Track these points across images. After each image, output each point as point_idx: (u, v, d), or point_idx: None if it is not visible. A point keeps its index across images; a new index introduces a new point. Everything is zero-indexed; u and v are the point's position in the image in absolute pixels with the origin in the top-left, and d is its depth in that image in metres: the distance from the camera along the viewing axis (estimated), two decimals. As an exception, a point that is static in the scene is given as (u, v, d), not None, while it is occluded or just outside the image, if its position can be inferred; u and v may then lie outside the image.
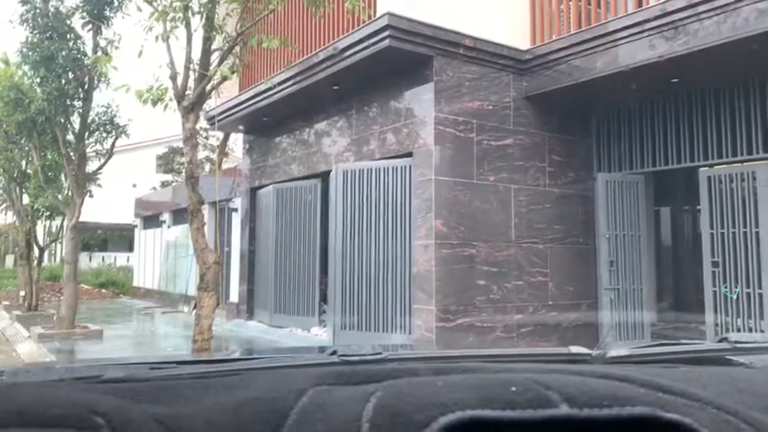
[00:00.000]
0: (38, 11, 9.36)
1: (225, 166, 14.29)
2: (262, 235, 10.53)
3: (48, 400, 0.45)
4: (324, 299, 9.68)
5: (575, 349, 1.03)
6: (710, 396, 0.56)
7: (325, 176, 9.02)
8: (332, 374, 0.64)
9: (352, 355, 0.92)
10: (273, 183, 10.32)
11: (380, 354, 0.94)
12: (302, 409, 0.52)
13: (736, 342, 1.00)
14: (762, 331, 6.47)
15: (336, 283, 7.95)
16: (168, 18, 5.97)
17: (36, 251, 13.49)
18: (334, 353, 0.94)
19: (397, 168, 7.63)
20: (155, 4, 6.09)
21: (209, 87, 6.50)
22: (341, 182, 8.08)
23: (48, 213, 13.43)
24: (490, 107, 7.51)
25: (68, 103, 9.58)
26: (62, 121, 9.64)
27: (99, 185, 11.52)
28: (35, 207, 12.93)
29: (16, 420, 0.41)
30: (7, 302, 15.85)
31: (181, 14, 5.98)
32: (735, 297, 6.78)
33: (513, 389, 0.51)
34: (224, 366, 0.90)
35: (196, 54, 6.33)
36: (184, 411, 0.53)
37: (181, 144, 8.09)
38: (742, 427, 0.53)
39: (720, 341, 1.03)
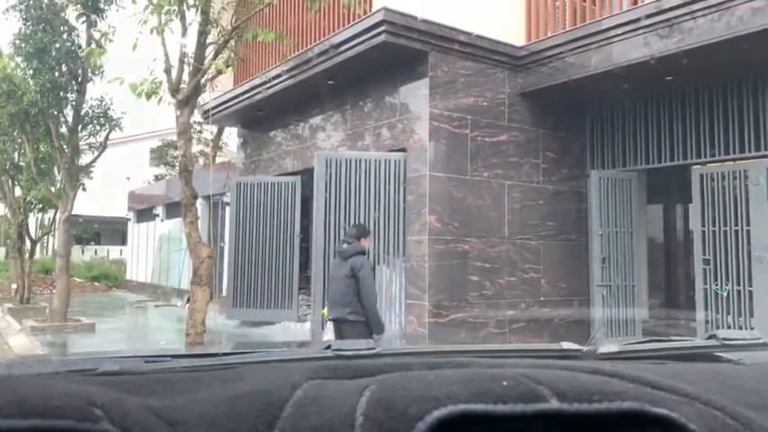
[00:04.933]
0: (31, 2, 9.30)
1: (219, 159, 14.25)
2: (241, 229, 10.42)
3: (47, 391, 0.45)
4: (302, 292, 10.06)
5: (566, 345, 1.04)
6: (698, 392, 0.57)
7: (305, 173, 9.03)
8: (326, 368, 0.65)
9: (346, 350, 0.92)
10: (238, 179, 10.35)
11: (374, 348, 0.94)
12: (297, 402, 0.53)
13: (725, 339, 1.01)
14: (751, 328, 6.52)
15: (320, 278, 7.52)
16: (163, 11, 5.94)
17: (28, 244, 13.42)
18: (328, 347, 0.94)
19: (390, 162, 7.55)
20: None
21: (203, 81, 6.49)
22: (324, 171, 7.67)
23: (40, 206, 13.36)
24: (485, 103, 7.51)
25: (61, 95, 9.53)
26: (55, 113, 9.60)
27: (92, 178, 11.48)
28: (27, 199, 12.86)
29: (16, 411, 0.41)
30: (-1, 295, 15.78)
31: (176, 7, 5.96)
32: (725, 294, 6.82)
33: (505, 383, 0.52)
34: (218, 360, 0.90)
35: (191, 47, 6.31)
36: (180, 403, 0.53)
37: (175, 137, 8.07)
38: (729, 422, 0.54)
39: (709, 338, 1.04)
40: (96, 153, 10.51)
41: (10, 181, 13.15)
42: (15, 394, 0.43)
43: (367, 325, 5.20)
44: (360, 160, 7.68)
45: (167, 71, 6.23)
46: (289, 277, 9.87)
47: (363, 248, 5.44)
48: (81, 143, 10.22)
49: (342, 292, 5.26)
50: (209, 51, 6.43)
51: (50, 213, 13.59)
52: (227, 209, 12.39)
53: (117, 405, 0.46)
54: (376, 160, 7.61)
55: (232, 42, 6.70)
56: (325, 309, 5.68)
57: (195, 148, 16.12)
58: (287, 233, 9.89)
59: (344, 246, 5.53)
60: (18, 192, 13.25)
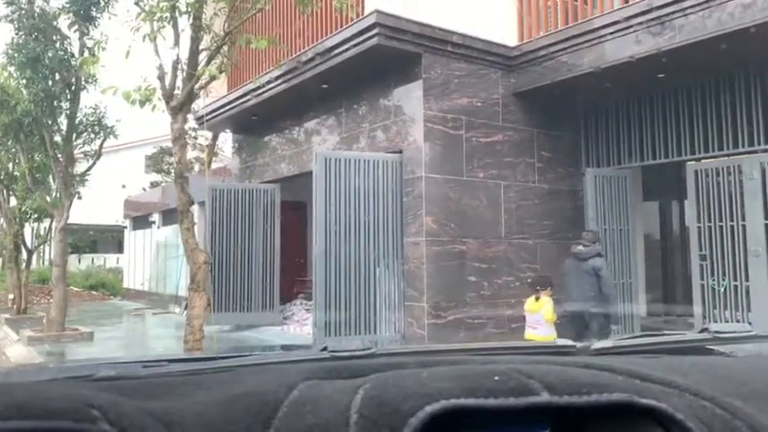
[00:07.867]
0: (23, 11, 9.28)
1: (214, 165, 14.23)
2: (218, 235, 10.36)
3: (45, 394, 0.46)
4: (283, 299, 10.61)
5: (561, 342, 1.05)
6: (688, 383, 0.58)
7: (301, 177, 9.08)
8: (322, 369, 0.65)
9: (343, 351, 0.93)
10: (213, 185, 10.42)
11: (370, 349, 0.95)
12: (292, 402, 0.54)
13: (717, 332, 1.02)
14: (749, 323, 6.53)
15: (322, 282, 7.36)
16: (155, 18, 5.94)
17: (24, 254, 13.38)
18: (324, 349, 0.95)
19: (387, 162, 7.51)
20: (141, 3, 6.06)
21: (197, 87, 6.48)
22: (323, 171, 7.46)
23: (36, 215, 13.33)
24: (479, 104, 7.53)
25: (55, 104, 9.50)
26: (49, 122, 9.57)
27: (87, 187, 11.45)
28: (23, 209, 12.83)
29: (15, 414, 0.42)
30: (-4, 306, 15.71)
31: (168, 14, 5.95)
32: (722, 290, 6.84)
33: (496, 378, 0.53)
34: (215, 364, 0.91)
35: (184, 54, 6.31)
36: (177, 406, 0.54)
37: (170, 144, 8.06)
38: (718, 412, 0.55)
39: (701, 332, 1.05)
40: (91, 161, 10.48)
41: (5, 191, 13.12)
42: (14, 398, 0.44)
43: (606, 317, 6.01)
44: (358, 160, 7.61)
45: (161, 78, 6.22)
46: (269, 281, 10.10)
47: (600, 250, 6.37)
48: (76, 152, 10.18)
49: (584, 289, 6.10)
50: (203, 57, 6.42)
51: (46, 223, 13.56)
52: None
53: (114, 407, 0.47)
54: (374, 161, 7.57)
55: (225, 48, 6.70)
56: (528, 305, 6.02)
57: (190, 154, 16.09)
58: (266, 239, 10.10)
59: (580, 248, 6.32)
60: (13, 202, 13.22)
